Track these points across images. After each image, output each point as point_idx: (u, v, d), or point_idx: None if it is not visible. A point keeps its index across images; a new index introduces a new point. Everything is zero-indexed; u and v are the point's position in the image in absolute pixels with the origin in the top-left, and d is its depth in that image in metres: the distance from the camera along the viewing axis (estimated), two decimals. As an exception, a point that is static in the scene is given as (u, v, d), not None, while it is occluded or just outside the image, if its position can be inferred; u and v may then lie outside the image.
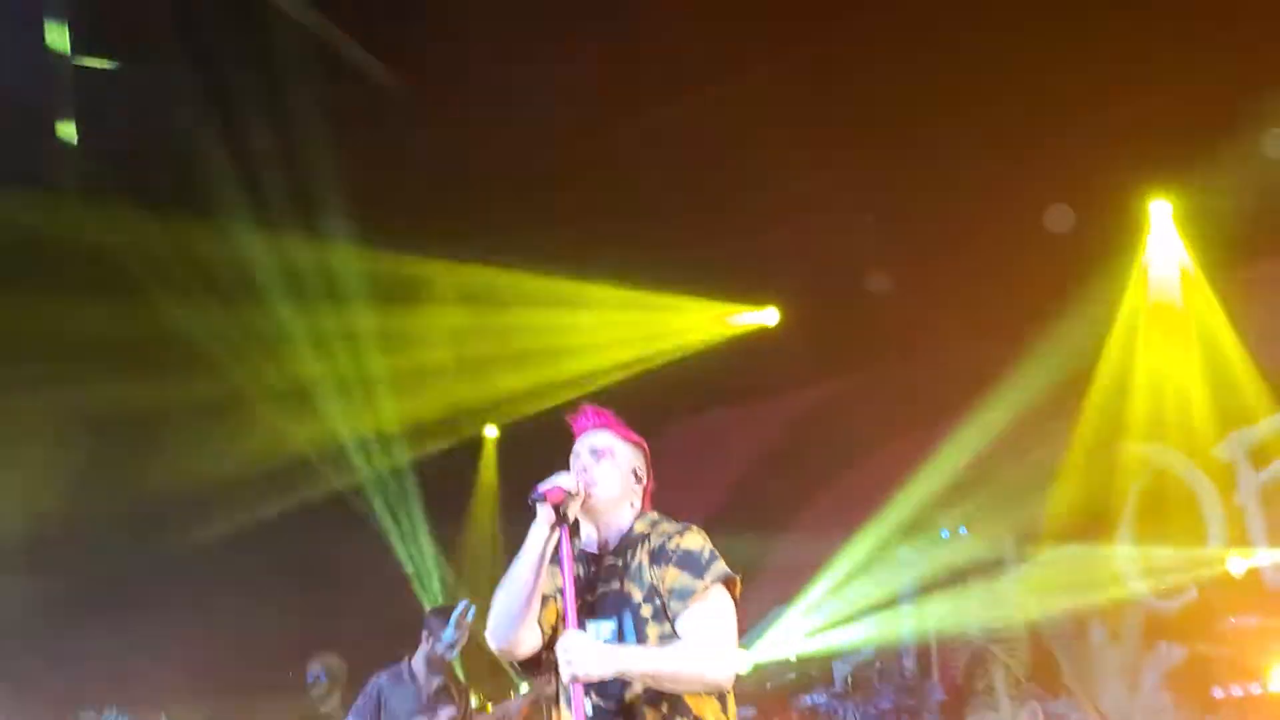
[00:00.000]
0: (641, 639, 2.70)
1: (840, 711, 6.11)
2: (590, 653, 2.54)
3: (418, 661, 5.92)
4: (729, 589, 2.74)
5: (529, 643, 2.81)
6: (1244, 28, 5.34)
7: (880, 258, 7.15)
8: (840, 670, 6.67)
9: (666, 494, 3.02)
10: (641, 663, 2.62)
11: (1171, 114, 5.61)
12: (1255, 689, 5.75)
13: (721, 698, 2.74)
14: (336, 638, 6.80)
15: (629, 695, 2.67)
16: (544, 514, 2.70)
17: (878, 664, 6.42)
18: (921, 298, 7.06)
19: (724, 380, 7.88)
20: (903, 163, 6.28)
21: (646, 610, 2.73)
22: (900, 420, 7.61)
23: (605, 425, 2.98)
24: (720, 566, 2.74)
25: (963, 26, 5.47)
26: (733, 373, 7.79)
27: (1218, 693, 5.75)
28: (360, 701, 5.87)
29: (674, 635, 2.68)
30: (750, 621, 7.44)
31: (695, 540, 2.78)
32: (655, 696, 2.66)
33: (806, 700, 6.44)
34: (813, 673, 6.73)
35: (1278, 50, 5.30)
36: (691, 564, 2.73)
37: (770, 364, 7.76)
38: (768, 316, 7.88)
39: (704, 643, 2.64)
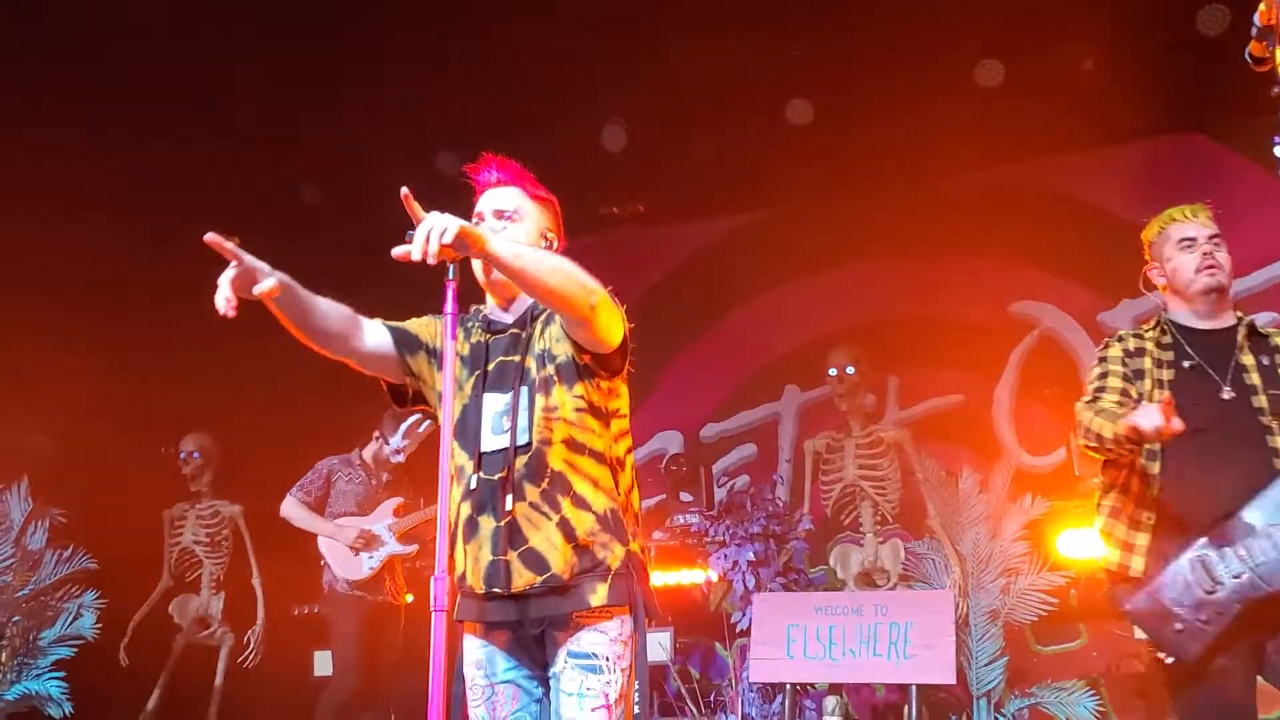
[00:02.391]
0: (532, 412, 2.57)
1: (712, 531, 6.25)
2: (449, 217, 2.28)
3: (368, 454, 6.11)
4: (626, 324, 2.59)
5: (347, 341, 2.59)
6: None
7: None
8: (716, 495, 6.82)
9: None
10: (507, 244, 2.39)
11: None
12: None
13: (614, 467, 2.62)
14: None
15: (516, 469, 2.55)
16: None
17: (751, 491, 6.56)
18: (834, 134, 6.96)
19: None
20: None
21: (539, 380, 2.60)
22: (796, 260, 7.61)
23: (513, 181, 2.73)
24: (617, 303, 2.57)
25: None
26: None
27: (1070, 546, 6.02)
28: (308, 478, 6.03)
29: (556, 406, 2.55)
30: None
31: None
32: (539, 471, 2.54)
33: (680, 519, 6.57)
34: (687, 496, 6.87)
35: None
36: None
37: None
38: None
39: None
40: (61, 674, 6.19)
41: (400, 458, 6.06)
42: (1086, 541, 5.82)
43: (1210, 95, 6.17)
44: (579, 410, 2.58)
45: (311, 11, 6.13)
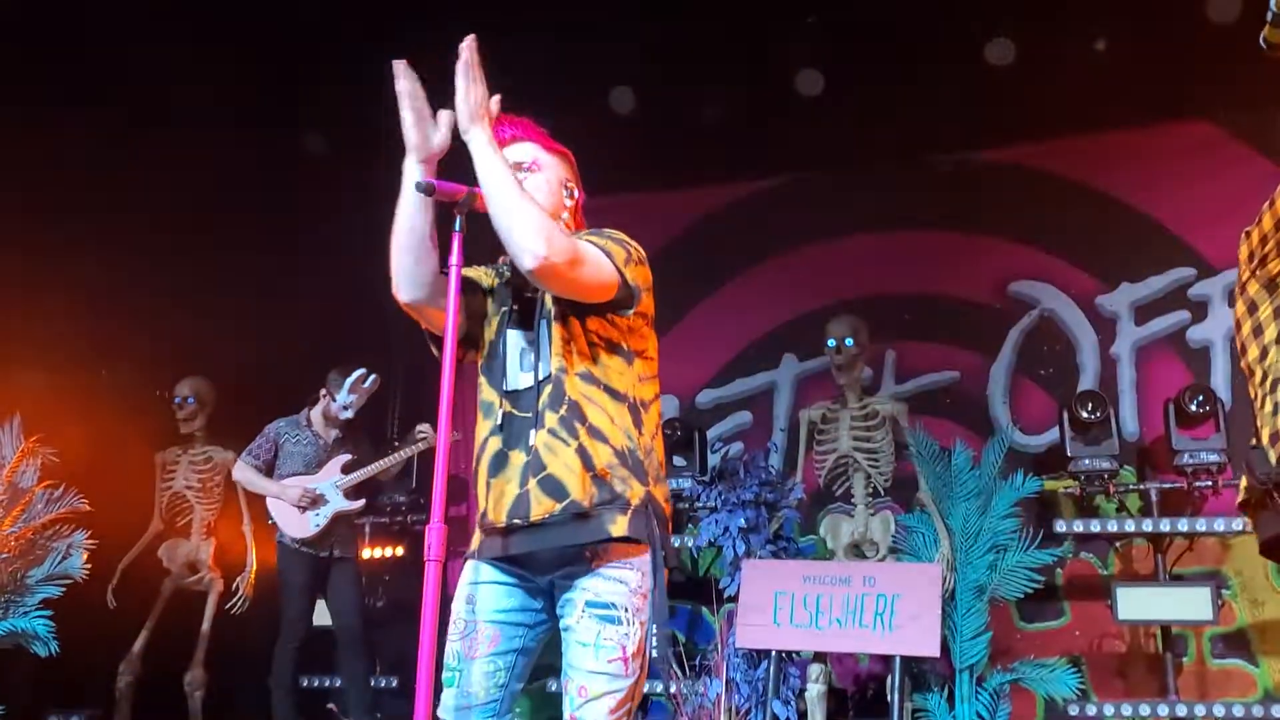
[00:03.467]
0: (550, 343, 2.59)
1: (704, 497, 6.27)
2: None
3: (315, 414, 6.23)
4: (618, 250, 2.57)
5: (433, 289, 2.61)
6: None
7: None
8: (710, 461, 6.84)
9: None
10: (495, 157, 2.45)
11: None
12: (1094, 526, 6.08)
13: (636, 407, 2.60)
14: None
15: (540, 402, 2.55)
16: (411, 163, 2.52)
17: (745, 458, 6.57)
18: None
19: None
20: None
21: (556, 311, 2.60)
22: (799, 231, 7.60)
23: (527, 136, 2.73)
24: (621, 250, 2.58)
25: None
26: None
27: (1059, 526, 6.06)
28: (257, 442, 6.25)
29: (573, 338, 2.57)
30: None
31: (613, 234, 2.65)
32: (557, 399, 2.54)
33: (672, 484, 6.59)
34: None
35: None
36: (599, 234, 2.64)
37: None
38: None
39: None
40: (49, 613, 6.18)
41: (349, 413, 6.23)
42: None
43: (1219, 83, 6.13)
44: (593, 344, 2.58)
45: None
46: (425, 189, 2.47)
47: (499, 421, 2.60)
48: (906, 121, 6.85)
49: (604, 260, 2.54)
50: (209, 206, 6.86)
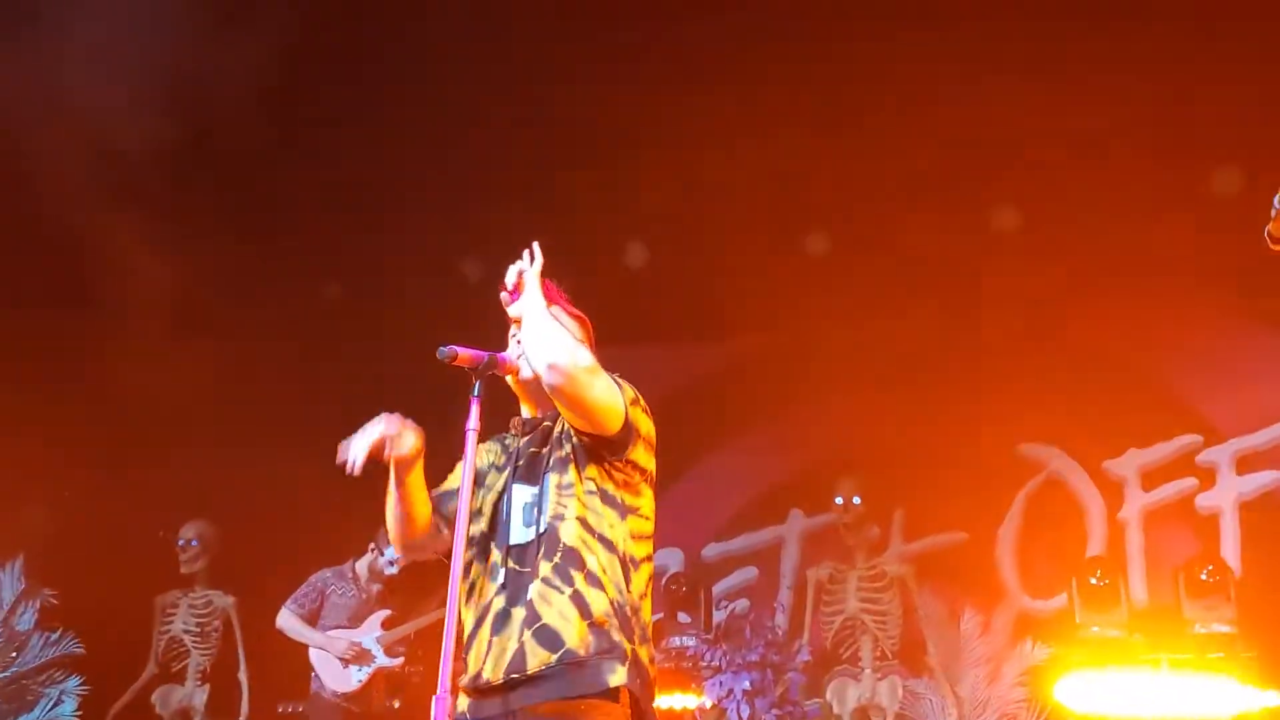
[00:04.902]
0: (549, 494, 2.60)
1: (708, 656, 6.17)
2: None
3: (361, 566, 6.20)
4: (624, 392, 2.59)
5: (431, 545, 2.72)
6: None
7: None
8: (715, 618, 6.74)
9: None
10: (540, 312, 2.58)
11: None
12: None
13: (626, 563, 2.58)
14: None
15: (538, 554, 2.56)
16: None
17: (751, 616, 6.50)
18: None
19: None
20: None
21: (556, 460, 2.64)
22: (810, 385, 7.65)
23: (549, 298, 2.75)
24: (630, 391, 2.61)
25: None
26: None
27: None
28: (303, 591, 6.22)
29: (570, 484, 2.59)
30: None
31: (626, 382, 2.65)
32: (553, 546, 2.55)
33: (676, 641, 6.49)
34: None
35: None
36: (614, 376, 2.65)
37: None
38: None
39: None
40: (38, 761, 6.07)
41: (394, 569, 6.14)
42: (1086, 689, 5.75)
43: (1226, 256, 6.25)
44: (590, 492, 2.58)
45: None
46: (447, 356, 2.50)
47: (502, 580, 2.59)
48: (916, 280, 6.97)
49: (616, 389, 2.58)
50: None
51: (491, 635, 2.57)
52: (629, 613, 2.55)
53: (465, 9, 6.04)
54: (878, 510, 6.56)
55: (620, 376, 2.70)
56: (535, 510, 2.61)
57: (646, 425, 2.66)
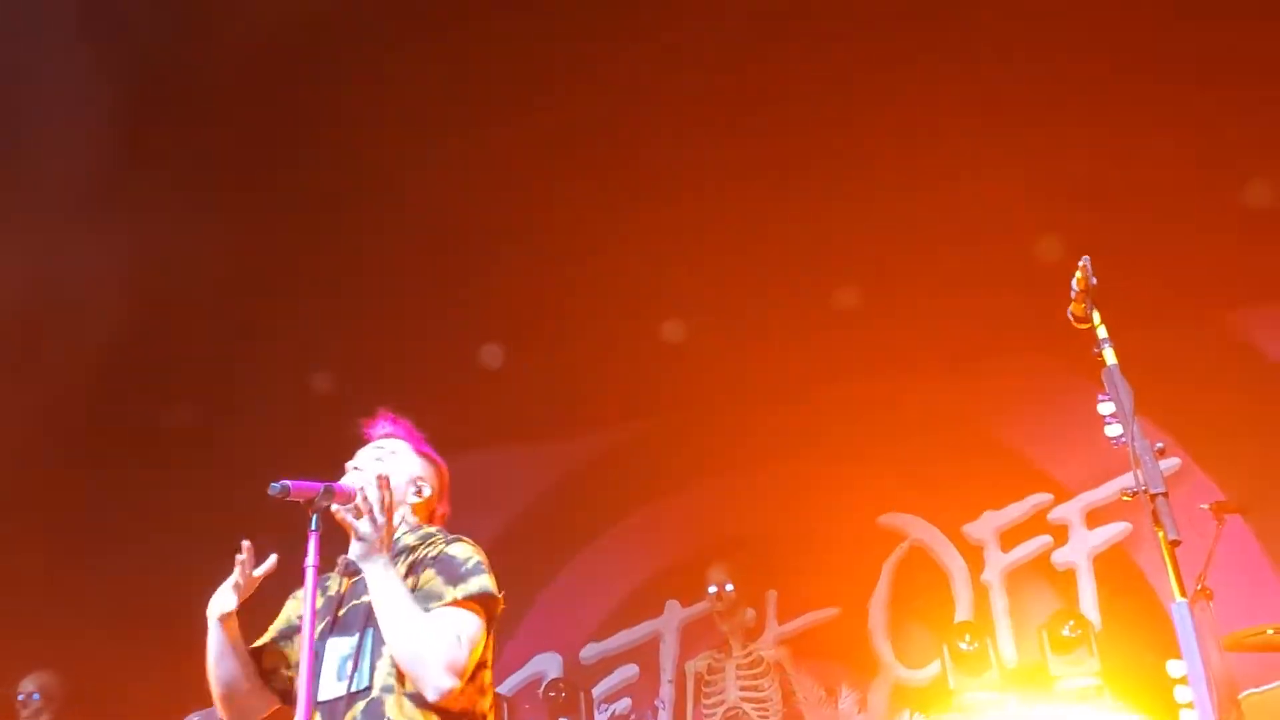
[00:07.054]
0: (376, 657, 2.42)
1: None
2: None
3: None
4: (485, 607, 2.44)
5: (260, 708, 2.59)
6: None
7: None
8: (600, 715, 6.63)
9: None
10: (396, 601, 2.37)
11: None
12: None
13: None
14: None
15: (349, 716, 2.41)
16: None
17: (633, 716, 6.40)
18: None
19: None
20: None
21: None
22: (675, 473, 7.69)
23: (399, 435, 2.74)
24: (482, 580, 2.44)
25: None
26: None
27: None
28: None
29: None
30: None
31: (462, 549, 2.50)
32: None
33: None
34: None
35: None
36: (449, 569, 2.46)
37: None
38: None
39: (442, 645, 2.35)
40: None
41: None
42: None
43: (1057, 323, 6.53)
44: None
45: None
46: (279, 492, 2.35)
47: None
48: (769, 361, 7.11)
49: (480, 644, 2.44)
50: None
51: None
52: None
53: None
54: (751, 593, 6.57)
55: (471, 556, 2.52)
56: (351, 664, 2.45)
57: (494, 610, 2.50)
